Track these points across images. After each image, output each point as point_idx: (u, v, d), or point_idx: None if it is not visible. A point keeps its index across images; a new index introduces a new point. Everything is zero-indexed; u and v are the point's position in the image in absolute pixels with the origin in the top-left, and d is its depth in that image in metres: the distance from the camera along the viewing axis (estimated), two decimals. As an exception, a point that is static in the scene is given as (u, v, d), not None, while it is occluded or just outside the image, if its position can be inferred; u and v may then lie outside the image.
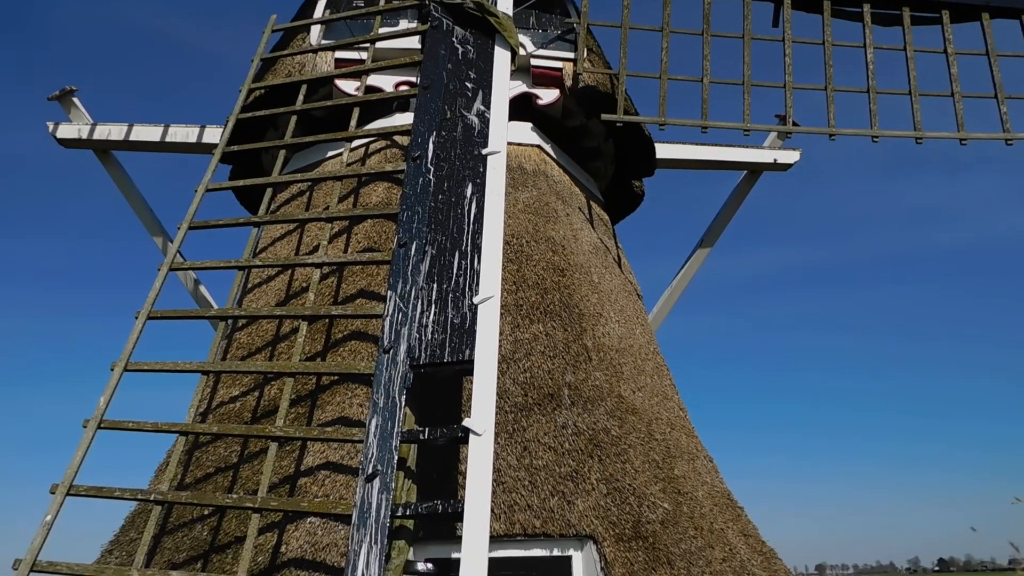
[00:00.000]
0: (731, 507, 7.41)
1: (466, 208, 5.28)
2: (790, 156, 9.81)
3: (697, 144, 9.90)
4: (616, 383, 6.79)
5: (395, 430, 4.44)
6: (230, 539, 5.56)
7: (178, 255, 6.10)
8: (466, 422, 4.33)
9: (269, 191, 6.35)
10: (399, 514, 4.27)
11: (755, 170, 9.86)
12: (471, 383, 4.56)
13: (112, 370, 5.19)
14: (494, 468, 5.58)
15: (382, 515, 4.16)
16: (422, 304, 4.94)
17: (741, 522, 7.38)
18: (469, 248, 5.08)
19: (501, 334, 6.26)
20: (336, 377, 6.18)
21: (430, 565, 4.78)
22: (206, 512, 5.92)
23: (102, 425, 4.88)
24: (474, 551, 3.95)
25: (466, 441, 4.33)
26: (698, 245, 9.83)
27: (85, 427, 4.90)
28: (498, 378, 5.90)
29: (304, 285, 6.87)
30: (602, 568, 5.51)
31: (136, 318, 5.41)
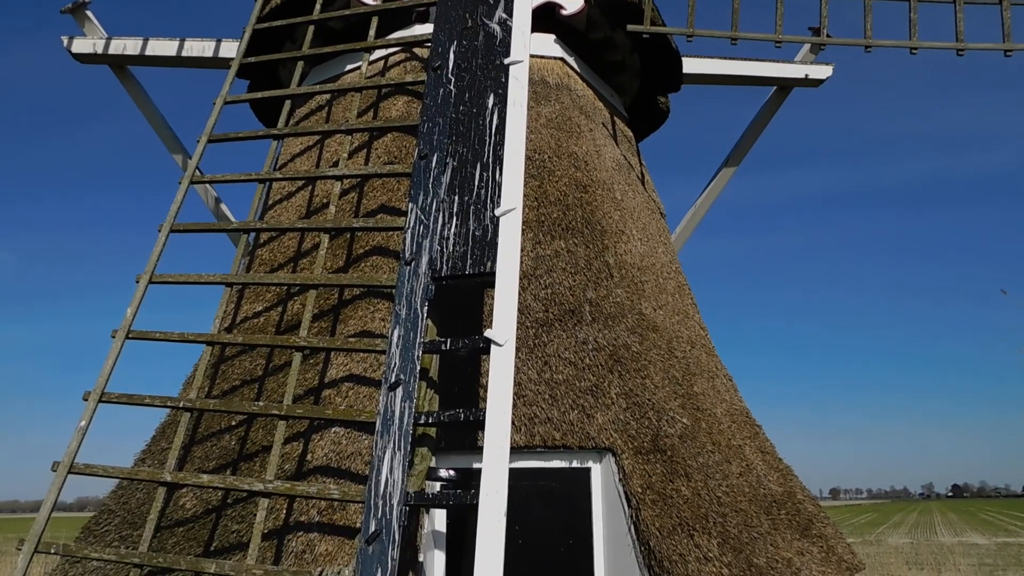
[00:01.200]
0: (749, 425, 7.49)
1: (488, 119, 5.18)
2: (822, 71, 9.47)
3: (725, 59, 9.59)
4: (637, 300, 6.77)
5: (417, 340, 4.47)
6: (257, 448, 5.71)
7: (197, 170, 6.07)
8: (488, 333, 4.34)
9: (287, 103, 6.26)
10: (421, 422, 4.34)
11: (785, 86, 9.56)
12: (492, 299, 4.56)
13: (137, 283, 5.24)
14: (515, 382, 5.65)
15: (405, 423, 4.23)
16: (443, 217, 4.90)
17: (758, 440, 7.46)
18: (491, 160, 5.00)
19: (523, 251, 6.22)
20: (358, 292, 6.22)
21: (452, 472, 4.89)
22: (234, 422, 6.07)
23: (130, 335, 4.96)
24: (495, 459, 4.01)
25: (487, 352, 4.35)
26: (723, 164, 9.64)
27: (114, 337, 4.98)
28: (519, 294, 5.93)
29: (324, 201, 6.85)
30: (620, 480, 5.61)
31: (159, 231, 5.43)
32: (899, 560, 18.56)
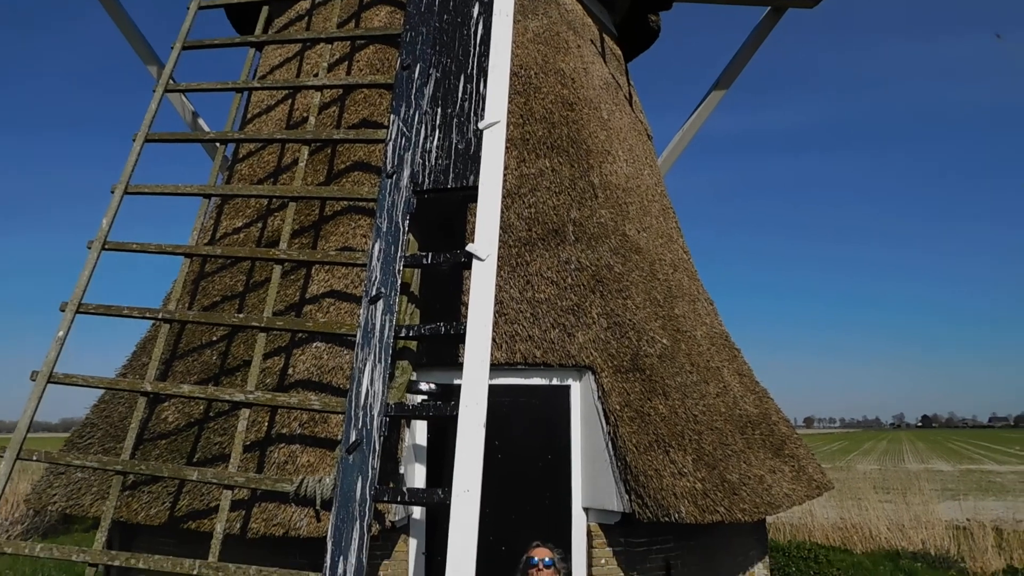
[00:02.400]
0: (728, 348, 7.58)
1: (472, 29, 5.02)
2: (817, -10, 9.19)
3: (719, -25, 9.28)
4: (621, 222, 6.73)
5: (398, 254, 4.44)
6: (239, 363, 5.71)
7: (171, 79, 5.87)
8: (469, 247, 4.31)
9: (265, 9, 6.04)
10: (402, 335, 4.34)
11: (779, 7, 9.30)
12: (475, 216, 4.49)
13: (113, 193, 5.12)
14: (497, 300, 5.64)
15: (386, 335, 4.23)
16: (426, 129, 4.80)
17: (736, 362, 7.56)
18: (475, 72, 4.87)
19: (506, 169, 6.14)
20: (339, 208, 6.13)
21: (433, 385, 4.92)
22: (214, 337, 6.06)
23: (106, 246, 4.88)
24: (475, 372, 4.04)
25: (469, 267, 4.33)
26: (713, 87, 9.44)
27: (89, 248, 4.90)
28: (502, 212, 5.88)
29: (305, 115, 6.67)
30: (599, 397, 5.68)
31: (134, 141, 5.29)
32: (867, 485, 19.15)
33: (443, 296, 5.79)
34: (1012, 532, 13.26)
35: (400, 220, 4.54)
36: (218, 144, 5.71)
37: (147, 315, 4.70)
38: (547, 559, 4.80)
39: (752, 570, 7.49)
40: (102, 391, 6.60)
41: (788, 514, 15.96)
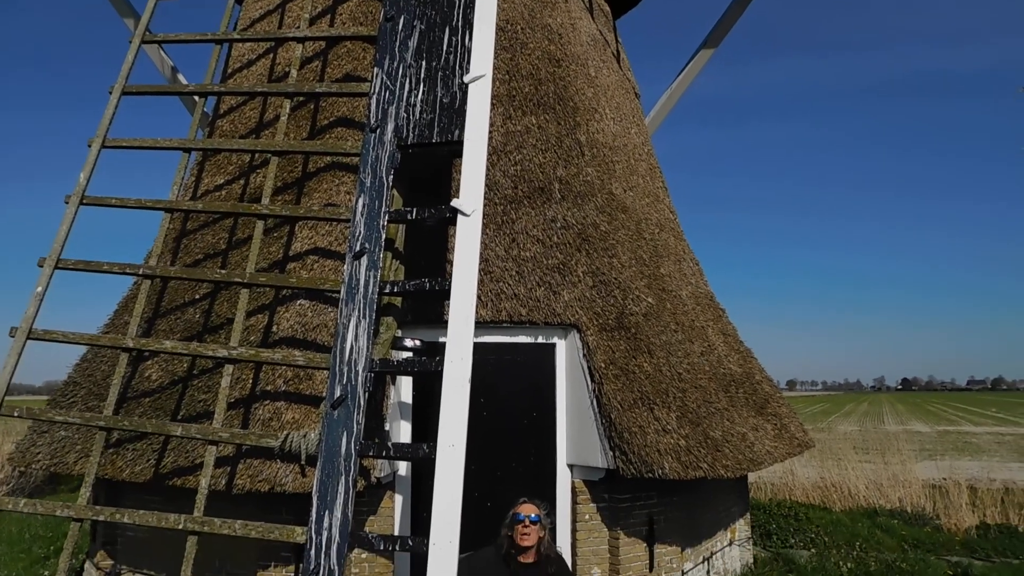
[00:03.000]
0: (713, 308, 7.61)
1: (457, -20, 4.90)
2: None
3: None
4: (608, 180, 6.69)
5: (382, 209, 4.38)
6: (222, 321, 5.67)
7: (147, 31, 5.72)
8: (454, 202, 4.26)
9: (244, -41, 5.86)
10: (387, 291, 4.30)
11: (768, -36, 9.16)
12: (460, 174, 4.42)
13: (90, 146, 5.02)
14: (483, 258, 5.62)
15: (370, 291, 4.19)
16: (410, 82, 4.71)
17: (721, 322, 7.60)
18: (460, 24, 4.78)
19: (492, 126, 6.07)
20: (323, 164, 6.05)
21: (418, 342, 4.91)
22: (197, 296, 6.00)
23: (84, 201, 4.79)
24: (460, 327, 4.02)
25: (454, 222, 4.28)
26: (702, 45, 9.34)
27: (67, 203, 4.81)
28: (488, 169, 5.82)
29: (286, 70, 6.54)
30: (584, 355, 5.70)
31: (111, 93, 5.16)
32: (847, 445, 19.45)
33: (428, 254, 5.76)
34: (986, 490, 13.54)
35: (384, 175, 4.47)
36: (197, 98, 5.59)
37: (127, 271, 4.63)
38: (533, 515, 4.84)
39: (734, 526, 7.62)
40: (84, 350, 6.57)
41: (769, 474, 16.23)
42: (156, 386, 5.61)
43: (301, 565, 3.81)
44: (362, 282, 4.21)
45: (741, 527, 7.87)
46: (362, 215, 4.37)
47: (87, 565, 6.77)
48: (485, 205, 5.24)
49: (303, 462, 4.11)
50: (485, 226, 5.84)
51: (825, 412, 54.32)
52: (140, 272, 4.61)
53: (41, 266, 4.64)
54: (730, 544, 7.46)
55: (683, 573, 6.16)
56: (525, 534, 4.77)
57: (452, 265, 4.28)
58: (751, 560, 7.89)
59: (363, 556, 5.28)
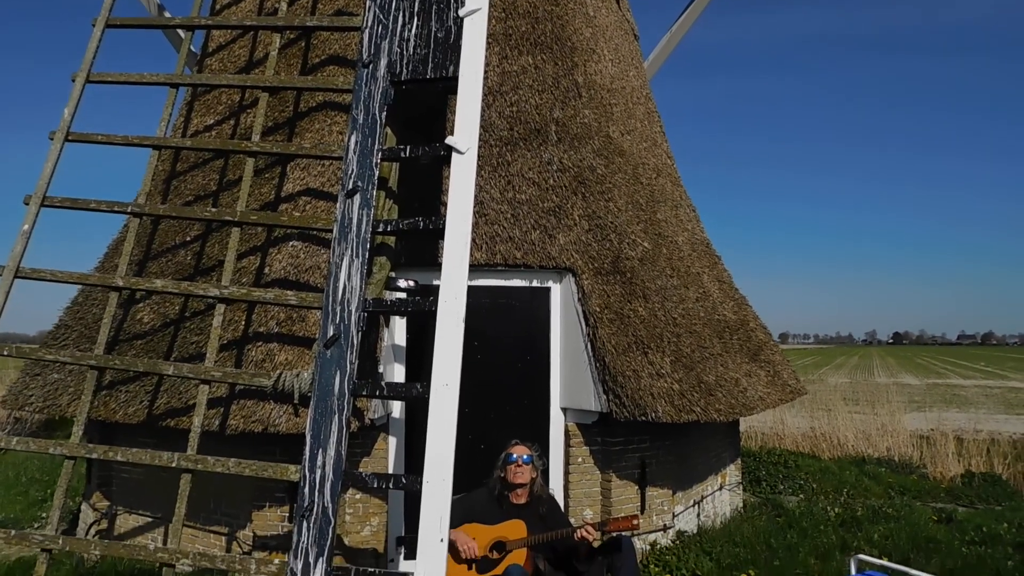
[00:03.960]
0: (709, 255, 7.57)
1: (452, -91, 4.72)
2: None
3: None
4: (605, 123, 6.58)
5: (375, 147, 4.29)
6: (213, 263, 5.60)
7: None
8: (449, 140, 4.17)
9: None
10: (380, 230, 4.24)
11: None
12: (454, 114, 4.33)
13: (74, 81, 4.88)
14: (477, 201, 5.54)
15: (363, 230, 4.13)
16: (404, 16, 4.57)
17: (717, 269, 7.57)
18: (455, -45, 4.61)
19: (488, 65, 5.93)
20: (314, 104, 5.92)
21: (412, 283, 4.86)
22: (188, 237, 5.92)
23: (69, 138, 4.68)
24: (454, 266, 3.97)
25: (448, 160, 4.21)
26: (702, -12, 9.10)
27: (52, 139, 4.70)
28: (483, 111, 5.69)
29: (276, 5, 6.35)
30: (579, 299, 5.67)
31: (94, 26, 5.01)
32: (837, 396, 19.63)
33: (423, 197, 5.66)
34: (972, 440, 13.72)
35: (377, 112, 4.37)
36: (183, 33, 5.43)
37: (116, 209, 4.55)
38: (525, 456, 4.88)
39: (724, 471, 7.71)
40: (75, 293, 6.51)
41: (760, 423, 16.42)
42: (148, 328, 5.57)
43: (295, 504, 3.83)
44: (355, 221, 4.15)
45: (732, 472, 7.96)
46: (355, 152, 4.28)
47: (83, 506, 6.83)
48: (480, 147, 5.15)
49: (296, 402, 4.10)
50: (480, 168, 5.74)
51: (816, 364, 54.86)
52: (128, 210, 4.52)
53: (27, 204, 4.56)
54: (720, 489, 7.55)
55: (674, 516, 6.23)
56: (518, 473, 4.82)
57: (447, 208, 4.21)
58: (741, 505, 8.01)
59: (357, 497, 5.31)
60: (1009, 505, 9.51)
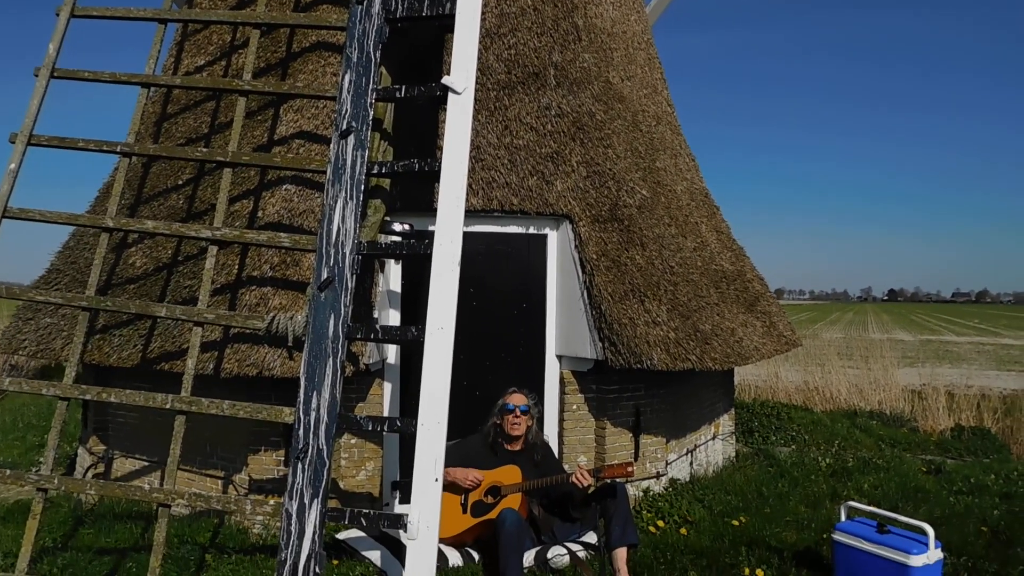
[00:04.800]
0: (707, 205, 7.50)
1: None
2: None
3: None
4: (605, 68, 6.44)
5: (370, 87, 4.19)
6: (206, 207, 5.53)
7: None
8: (445, 80, 4.07)
9: None
10: (374, 172, 4.17)
11: None
12: (451, 56, 4.21)
13: (58, 15, 4.74)
14: (474, 145, 5.44)
15: (357, 171, 4.05)
16: (398, -50, 4.42)
17: (715, 220, 7.51)
18: None
19: (486, 6, 5.77)
20: (307, 44, 5.78)
21: (407, 226, 4.81)
22: (180, 181, 5.84)
23: (55, 74, 4.56)
24: (450, 209, 3.91)
25: (444, 100, 4.11)
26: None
27: (37, 76, 4.58)
28: (480, 53, 5.56)
29: (268, -58, 6.16)
30: (576, 246, 5.61)
31: (79, -42, 4.83)
32: (831, 351, 19.72)
33: (419, 143, 5.57)
34: (963, 396, 13.84)
35: (372, 50, 4.25)
36: (173, -33, 5.26)
37: (104, 148, 4.45)
38: (522, 406, 4.88)
39: (718, 421, 7.76)
40: (66, 238, 6.45)
41: (754, 376, 16.52)
42: (140, 273, 5.52)
43: (290, 448, 3.82)
44: (349, 162, 4.07)
45: (725, 422, 8.02)
46: (348, 92, 4.18)
47: (80, 451, 6.86)
48: (477, 90, 5.04)
49: (290, 344, 4.08)
50: (477, 112, 5.64)
51: (811, 320, 55.09)
52: (118, 149, 4.43)
53: (13, 142, 4.46)
54: (714, 438, 7.61)
55: (667, 464, 6.28)
56: (515, 424, 4.83)
57: (443, 152, 4.12)
58: (733, 454, 8.08)
59: (352, 442, 5.33)
60: (997, 457, 9.63)
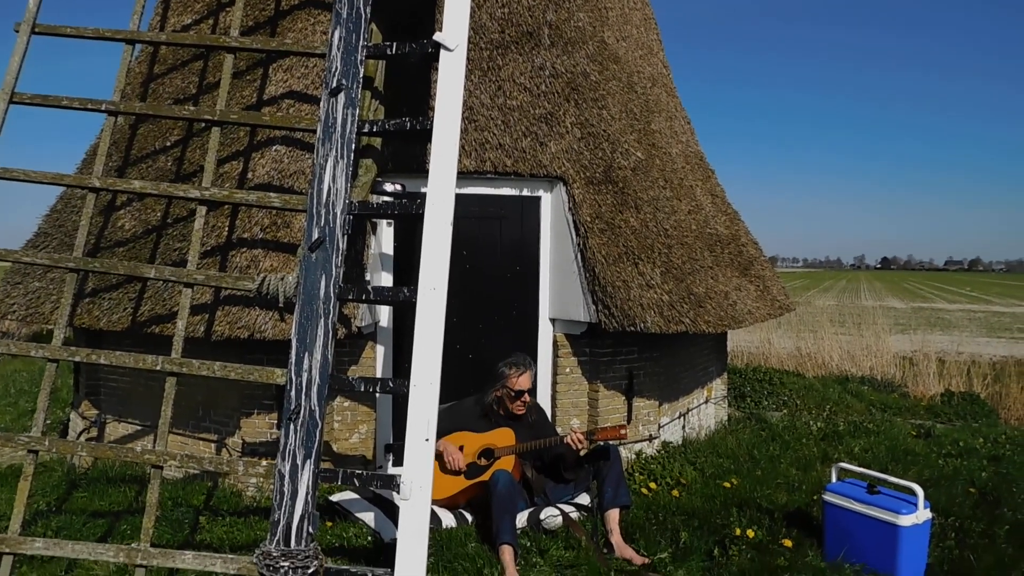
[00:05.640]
0: (702, 168, 7.44)
1: None
2: None
3: None
4: (600, 27, 6.34)
5: (360, 43, 4.10)
6: (195, 169, 5.45)
7: None
8: (437, 36, 3.98)
9: None
10: (365, 130, 4.09)
11: None
12: (443, 14, 4.11)
13: (40, -30, 4.60)
14: (467, 106, 5.38)
15: (348, 130, 3.98)
16: (388, -98, 4.29)
17: (710, 183, 7.46)
18: None
19: (478, -38, 5.66)
20: (296, 2, 5.66)
21: (399, 186, 4.75)
22: (168, 143, 5.75)
23: (36, 30, 4.44)
24: (442, 169, 3.84)
25: (436, 58, 4.03)
26: None
27: (17, 31, 4.46)
28: (473, 12, 5.47)
29: None
30: (570, 208, 5.57)
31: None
32: (824, 318, 19.81)
33: (410, 102, 5.48)
34: (953, 362, 13.95)
35: (362, 6, 4.15)
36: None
37: (89, 106, 4.35)
38: (529, 387, 4.76)
39: (710, 385, 7.79)
40: (54, 201, 6.37)
41: (747, 343, 16.60)
42: (129, 236, 5.46)
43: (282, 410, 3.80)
44: (339, 120, 3.99)
45: (718, 387, 8.05)
46: (338, 49, 4.09)
47: (72, 415, 6.85)
48: (470, 49, 4.96)
49: (281, 306, 4.03)
50: (470, 72, 5.55)
51: (804, 287, 55.31)
52: (103, 108, 4.33)
53: (-5, 100, 4.35)
54: (706, 402, 7.64)
55: (660, 427, 6.31)
56: (519, 407, 4.80)
57: (435, 110, 4.04)
58: (725, 418, 8.13)
59: (345, 404, 5.32)
60: (985, 422, 9.73)
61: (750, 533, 4.48)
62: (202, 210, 4.17)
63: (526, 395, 4.79)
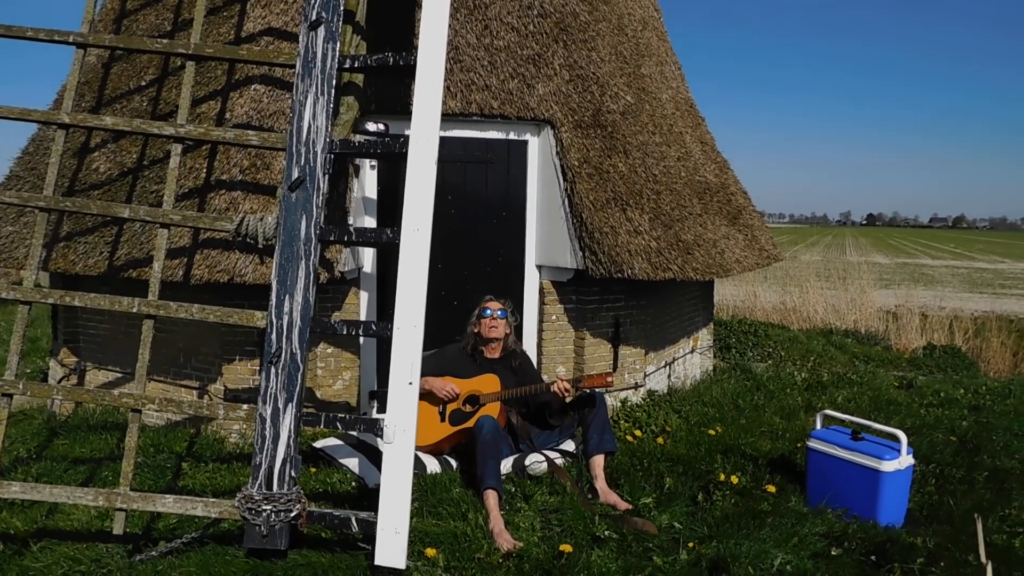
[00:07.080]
0: (692, 115, 7.31)
1: None
2: None
3: None
4: (590, -34, 6.13)
5: (340, -27, 3.92)
6: (171, 108, 5.26)
7: None
8: (420, -33, 3.81)
9: None
10: (347, 66, 3.95)
11: None
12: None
13: None
14: (452, 46, 5.22)
15: (328, 65, 3.83)
16: None
17: (700, 131, 7.34)
18: None
19: None
20: (274, -67, 5.42)
21: (382, 126, 4.61)
22: (143, 83, 5.55)
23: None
24: (426, 107, 3.71)
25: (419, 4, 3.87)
26: None
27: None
28: (459, -54, 5.26)
29: None
30: (558, 152, 5.45)
31: None
32: (809, 272, 19.87)
33: (393, 40, 5.30)
34: (936, 317, 14.08)
35: (341, -66, 3.96)
36: None
37: (56, 38, 4.16)
38: (500, 311, 4.83)
39: (697, 335, 7.78)
40: (25, 143, 6.18)
41: (733, 296, 16.64)
42: (105, 178, 5.30)
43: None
44: (319, 55, 3.84)
45: (704, 336, 8.05)
46: (317, -20, 3.91)
47: (52, 363, 6.75)
48: (455, -13, 4.78)
49: (260, 247, 3.93)
50: (455, 10, 5.37)
51: (790, 243, 55.46)
52: (70, 40, 4.15)
53: (-42, 32, 4.16)
54: (692, 352, 7.64)
55: (645, 375, 6.30)
56: (492, 327, 4.78)
57: (418, 47, 3.90)
58: (711, 368, 8.15)
59: (329, 351, 5.26)
60: (966, 374, 9.84)
61: (734, 479, 4.49)
62: (177, 148, 4.04)
63: (496, 315, 4.81)
